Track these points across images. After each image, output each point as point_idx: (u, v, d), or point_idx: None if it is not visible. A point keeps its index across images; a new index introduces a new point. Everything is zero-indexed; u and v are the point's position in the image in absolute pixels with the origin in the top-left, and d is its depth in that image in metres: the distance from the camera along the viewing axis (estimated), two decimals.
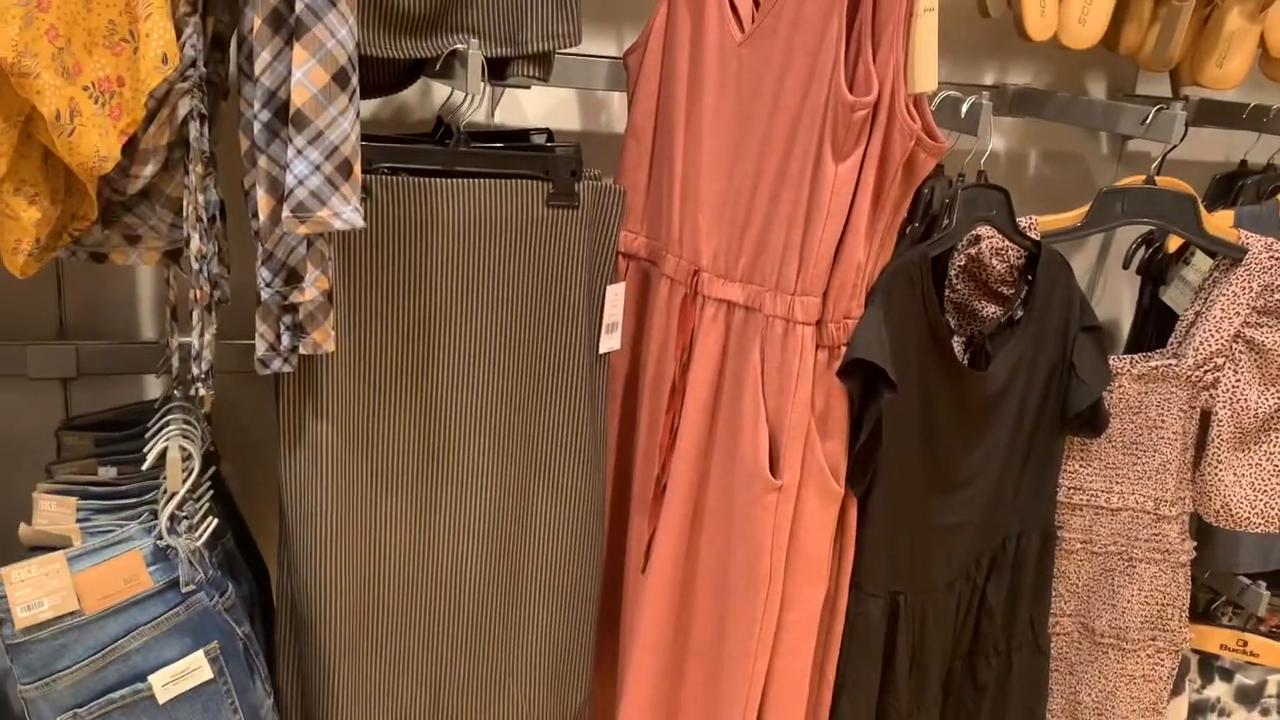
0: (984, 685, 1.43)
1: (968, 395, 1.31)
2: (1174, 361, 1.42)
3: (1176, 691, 1.65)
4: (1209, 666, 1.68)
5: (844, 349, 1.20)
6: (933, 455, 1.30)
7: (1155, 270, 1.64)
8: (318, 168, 0.97)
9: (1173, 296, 1.57)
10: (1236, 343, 1.40)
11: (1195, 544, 1.49)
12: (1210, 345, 1.40)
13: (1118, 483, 1.45)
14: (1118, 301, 1.87)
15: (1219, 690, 1.69)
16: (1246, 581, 1.66)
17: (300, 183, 0.97)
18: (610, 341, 1.31)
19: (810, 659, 1.28)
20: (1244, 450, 1.44)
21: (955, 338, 1.40)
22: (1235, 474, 1.44)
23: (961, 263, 1.45)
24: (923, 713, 1.38)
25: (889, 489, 1.26)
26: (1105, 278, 1.80)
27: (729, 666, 1.26)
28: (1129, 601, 1.48)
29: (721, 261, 1.24)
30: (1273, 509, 1.45)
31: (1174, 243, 1.59)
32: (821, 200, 1.12)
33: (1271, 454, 1.43)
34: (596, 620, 1.38)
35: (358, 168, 1.00)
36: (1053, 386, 1.38)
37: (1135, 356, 1.43)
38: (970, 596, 1.40)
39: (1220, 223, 1.43)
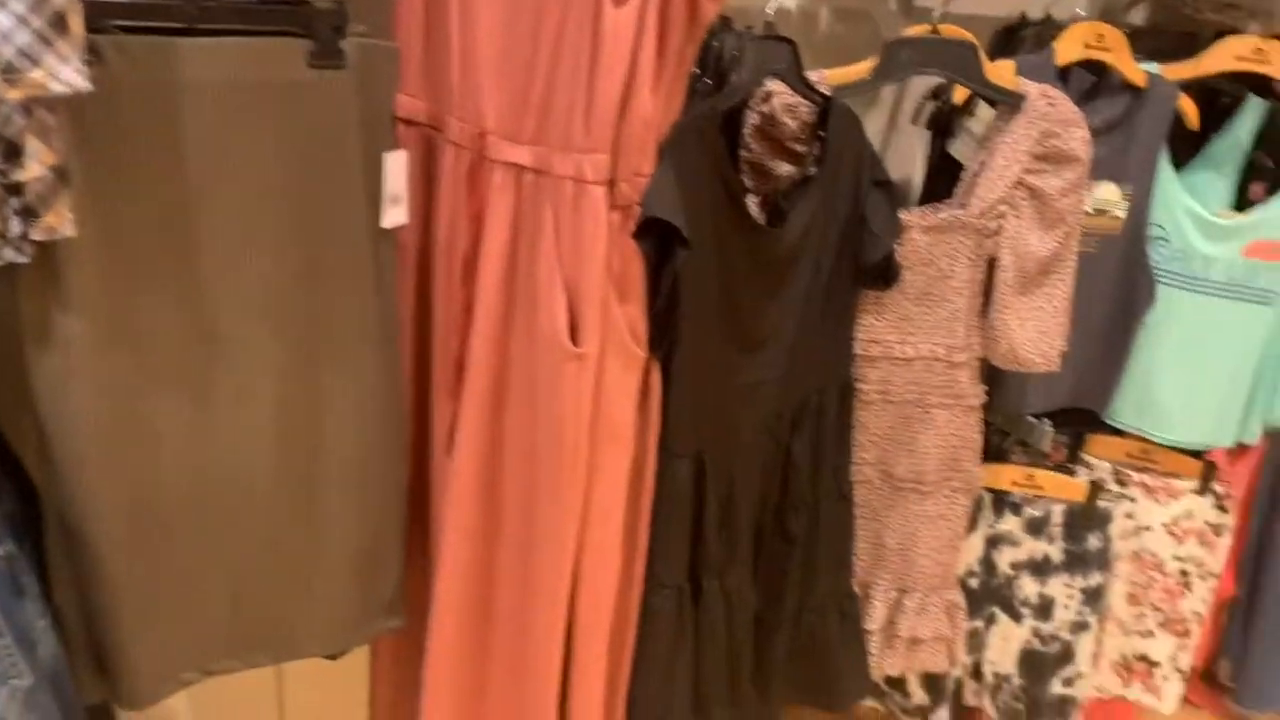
0: (793, 536, 1.47)
1: (763, 252, 1.31)
2: (960, 211, 1.45)
3: (973, 528, 1.75)
4: (1001, 502, 1.78)
5: (638, 209, 1.17)
6: (731, 314, 1.30)
7: (943, 124, 1.67)
8: (24, 21, 0.86)
9: (959, 149, 1.60)
10: (1018, 189, 1.44)
11: (986, 388, 1.56)
12: (994, 193, 1.43)
13: (911, 333, 1.49)
14: (911, 158, 1.90)
15: (1010, 524, 1.79)
16: (1033, 421, 1.76)
17: (5, 39, 0.86)
18: (396, 215, 1.24)
19: (620, 524, 1.28)
20: (1026, 294, 1.49)
21: (751, 196, 1.39)
22: (1019, 318, 1.49)
23: (755, 121, 1.44)
24: (735, 568, 1.41)
25: (690, 350, 1.25)
26: (898, 135, 1.83)
27: (541, 539, 1.25)
28: (926, 447, 1.53)
29: (507, 123, 1.18)
30: (1054, 349, 1.51)
31: (960, 95, 1.62)
32: (603, 49, 1.07)
33: (1051, 296, 1.49)
34: (404, 507, 1.34)
35: (76, 22, 0.89)
36: (846, 241, 1.39)
37: (924, 209, 1.46)
38: (776, 452, 1.43)
39: (1003, 72, 1.46)
